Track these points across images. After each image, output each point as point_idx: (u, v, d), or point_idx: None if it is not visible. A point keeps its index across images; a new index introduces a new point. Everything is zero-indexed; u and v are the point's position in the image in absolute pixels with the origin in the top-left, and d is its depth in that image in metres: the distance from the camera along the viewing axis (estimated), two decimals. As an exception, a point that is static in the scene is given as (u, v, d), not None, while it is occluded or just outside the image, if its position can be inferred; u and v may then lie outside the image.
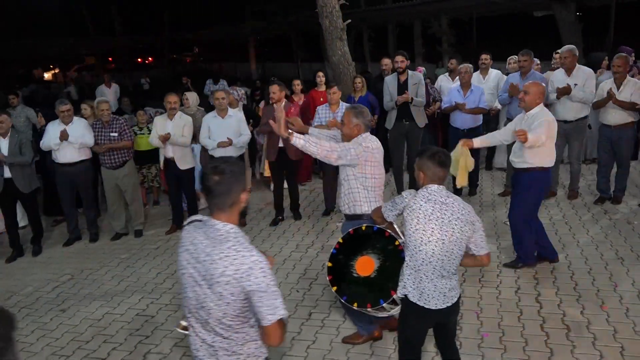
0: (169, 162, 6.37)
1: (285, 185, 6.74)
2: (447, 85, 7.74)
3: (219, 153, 6.26)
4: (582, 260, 4.82)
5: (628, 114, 5.87)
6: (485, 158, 8.03)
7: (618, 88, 5.86)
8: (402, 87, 6.56)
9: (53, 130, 6.20)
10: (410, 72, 6.64)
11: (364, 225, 3.28)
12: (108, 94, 12.77)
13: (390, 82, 6.69)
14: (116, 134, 6.29)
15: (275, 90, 6.23)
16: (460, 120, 6.71)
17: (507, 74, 7.86)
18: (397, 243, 3.06)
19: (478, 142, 4.55)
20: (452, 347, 3.10)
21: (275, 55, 29.44)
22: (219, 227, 2.04)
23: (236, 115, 6.37)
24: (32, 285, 5.41)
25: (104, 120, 6.31)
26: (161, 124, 6.32)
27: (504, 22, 18.30)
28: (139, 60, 39.29)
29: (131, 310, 4.66)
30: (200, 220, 2.18)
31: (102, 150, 6.27)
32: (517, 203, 4.67)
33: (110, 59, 35.78)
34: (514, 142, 4.64)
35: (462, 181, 4.06)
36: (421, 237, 2.74)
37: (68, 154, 6.23)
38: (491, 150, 7.98)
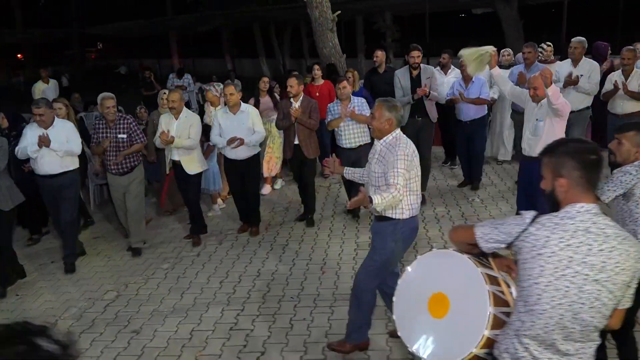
0: (176, 165, 5.77)
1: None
2: (441, 79, 7.66)
3: (230, 153, 5.80)
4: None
5: (637, 103, 6.17)
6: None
7: (626, 79, 6.16)
8: (416, 82, 6.35)
9: (31, 135, 5.10)
10: (422, 65, 6.47)
11: None
12: (47, 90, 11.58)
13: (401, 76, 6.44)
14: (124, 136, 5.44)
15: (293, 84, 5.83)
16: (464, 112, 6.72)
17: (500, 67, 8.05)
18: None
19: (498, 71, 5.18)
20: None
21: (201, 51, 28.31)
22: (596, 210, 1.85)
23: (248, 111, 5.81)
24: (76, 307, 4.66)
25: (108, 120, 5.44)
26: (166, 125, 5.65)
27: (448, 19, 18.99)
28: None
29: (221, 325, 4.17)
30: (539, 215, 1.92)
31: (103, 148, 5.42)
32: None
33: (19, 55, 32.61)
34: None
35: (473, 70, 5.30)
36: None
37: (48, 164, 5.16)
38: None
